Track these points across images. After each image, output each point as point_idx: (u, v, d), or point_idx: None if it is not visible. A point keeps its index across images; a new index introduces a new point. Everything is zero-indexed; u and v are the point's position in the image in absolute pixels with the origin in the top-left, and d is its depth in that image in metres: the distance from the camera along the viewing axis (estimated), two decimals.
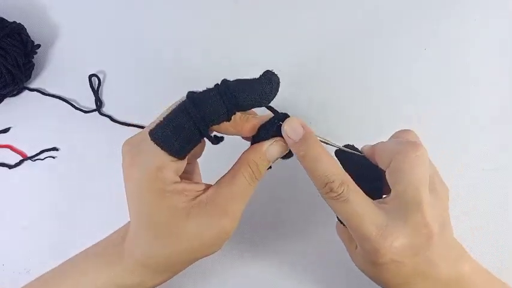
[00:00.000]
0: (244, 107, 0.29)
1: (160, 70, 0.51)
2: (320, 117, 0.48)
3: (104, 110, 0.50)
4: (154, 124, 0.30)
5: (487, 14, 0.53)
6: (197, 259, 0.32)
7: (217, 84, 0.30)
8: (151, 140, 0.29)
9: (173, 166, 0.30)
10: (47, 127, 0.49)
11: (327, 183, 0.30)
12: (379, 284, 0.32)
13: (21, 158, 0.47)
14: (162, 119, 0.29)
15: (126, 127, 0.48)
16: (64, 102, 0.49)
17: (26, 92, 0.50)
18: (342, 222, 0.33)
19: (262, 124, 0.32)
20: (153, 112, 0.48)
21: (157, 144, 0.29)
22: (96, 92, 0.50)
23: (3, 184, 0.47)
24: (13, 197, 0.46)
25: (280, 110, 0.32)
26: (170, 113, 0.29)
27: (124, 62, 0.52)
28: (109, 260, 0.32)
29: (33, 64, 0.50)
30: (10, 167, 0.47)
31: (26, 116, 0.49)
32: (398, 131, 0.35)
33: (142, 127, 0.48)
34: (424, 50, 0.52)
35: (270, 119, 0.32)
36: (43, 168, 0.47)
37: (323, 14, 0.54)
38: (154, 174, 0.29)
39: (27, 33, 0.50)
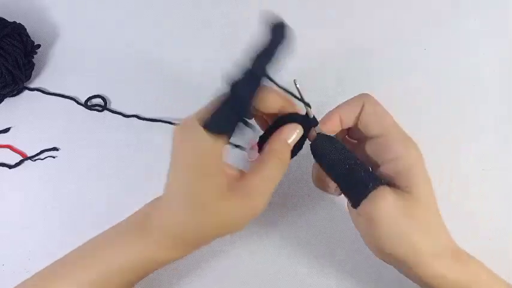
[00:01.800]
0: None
1: (161, 70, 0.51)
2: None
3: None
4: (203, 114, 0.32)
5: (487, 14, 0.53)
6: (221, 235, 0.34)
7: (247, 72, 0.31)
8: (202, 127, 0.31)
9: (220, 149, 0.32)
10: (47, 127, 0.49)
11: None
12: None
13: (21, 158, 0.47)
14: (211, 110, 0.32)
15: (125, 127, 0.48)
16: (64, 103, 0.49)
17: (26, 92, 0.50)
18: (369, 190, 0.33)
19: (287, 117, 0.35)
20: (154, 111, 0.49)
21: (208, 131, 0.31)
22: (103, 102, 0.50)
23: (3, 184, 0.47)
24: (13, 197, 0.46)
25: None
26: (217, 106, 0.32)
27: (124, 61, 0.52)
28: (136, 235, 0.33)
29: (33, 64, 0.50)
30: (10, 167, 0.47)
31: (26, 116, 0.49)
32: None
33: (155, 120, 0.49)
34: (424, 50, 0.52)
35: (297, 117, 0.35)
36: (43, 168, 0.47)
37: (321, 14, 0.54)
38: (205, 152, 0.31)
39: (27, 33, 0.50)
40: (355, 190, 0.33)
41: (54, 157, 0.47)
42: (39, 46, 0.51)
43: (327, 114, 0.36)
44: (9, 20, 0.49)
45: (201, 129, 0.31)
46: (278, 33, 0.31)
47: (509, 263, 0.42)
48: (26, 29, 0.50)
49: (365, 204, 0.33)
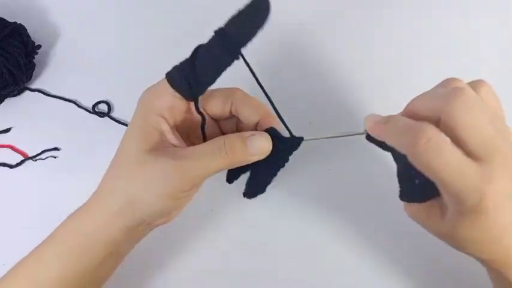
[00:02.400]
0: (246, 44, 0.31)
1: (163, 70, 0.51)
2: (319, 118, 0.48)
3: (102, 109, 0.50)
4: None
5: (487, 14, 0.53)
6: (158, 198, 0.32)
7: (217, 34, 0.32)
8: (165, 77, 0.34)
9: (169, 101, 0.33)
10: (48, 127, 0.49)
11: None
12: (469, 247, 0.31)
13: (22, 158, 0.47)
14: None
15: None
16: (65, 103, 0.50)
17: (27, 92, 0.50)
18: (412, 201, 0.33)
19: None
20: None
21: (167, 79, 0.34)
22: (108, 107, 0.50)
23: (4, 184, 0.47)
24: (14, 197, 0.46)
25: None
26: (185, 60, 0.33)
27: (125, 61, 0.52)
28: (79, 211, 0.36)
29: (34, 64, 0.50)
30: (11, 166, 0.47)
31: (27, 116, 0.49)
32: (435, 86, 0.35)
33: None
34: (424, 50, 0.52)
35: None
36: (44, 168, 0.47)
37: (320, 14, 0.54)
38: (151, 97, 0.34)
39: (28, 34, 0.50)
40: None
41: (55, 157, 0.47)
42: (40, 46, 0.51)
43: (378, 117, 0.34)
44: (9, 20, 0.49)
45: (163, 80, 0.33)
46: (255, 4, 0.30)
47: None
48: (26, 29, 0.50)
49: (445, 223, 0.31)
